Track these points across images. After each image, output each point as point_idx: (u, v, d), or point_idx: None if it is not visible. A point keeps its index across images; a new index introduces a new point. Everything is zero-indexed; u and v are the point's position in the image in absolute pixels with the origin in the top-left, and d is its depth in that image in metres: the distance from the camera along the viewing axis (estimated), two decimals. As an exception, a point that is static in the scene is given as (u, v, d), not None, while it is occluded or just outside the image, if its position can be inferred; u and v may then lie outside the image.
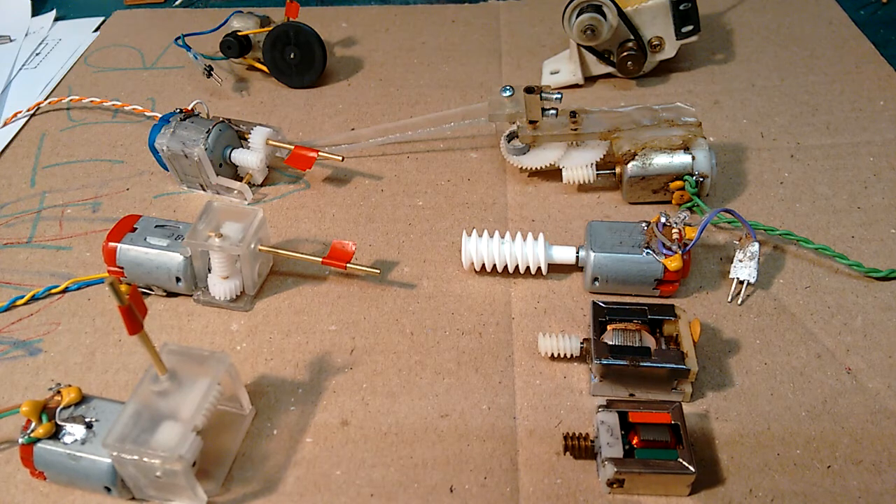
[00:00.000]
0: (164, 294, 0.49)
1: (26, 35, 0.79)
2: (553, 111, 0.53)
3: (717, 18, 0.75)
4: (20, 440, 0.38)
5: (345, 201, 0.56)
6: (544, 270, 0.48)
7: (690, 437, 0.38)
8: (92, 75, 0.72)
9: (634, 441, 0.37)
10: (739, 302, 0.47)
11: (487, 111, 0.55)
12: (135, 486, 0.38)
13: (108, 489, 0.38)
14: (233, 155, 0.56)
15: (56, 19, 0.82)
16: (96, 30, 0.80)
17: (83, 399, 0.39)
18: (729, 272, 0.48)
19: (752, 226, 0.49)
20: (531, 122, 0.53)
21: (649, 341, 0.42)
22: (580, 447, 0.38)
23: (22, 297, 0.49)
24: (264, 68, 0.68)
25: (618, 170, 0.53)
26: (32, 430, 0.38)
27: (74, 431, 0.38)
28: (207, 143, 0.53)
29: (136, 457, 0.35)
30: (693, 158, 0.51)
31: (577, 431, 0.39)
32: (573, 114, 0.54)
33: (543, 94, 0.52)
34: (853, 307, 0.47)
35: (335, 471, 0.40)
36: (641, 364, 0.40)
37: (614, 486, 0.37)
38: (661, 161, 0.51)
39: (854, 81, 0.65)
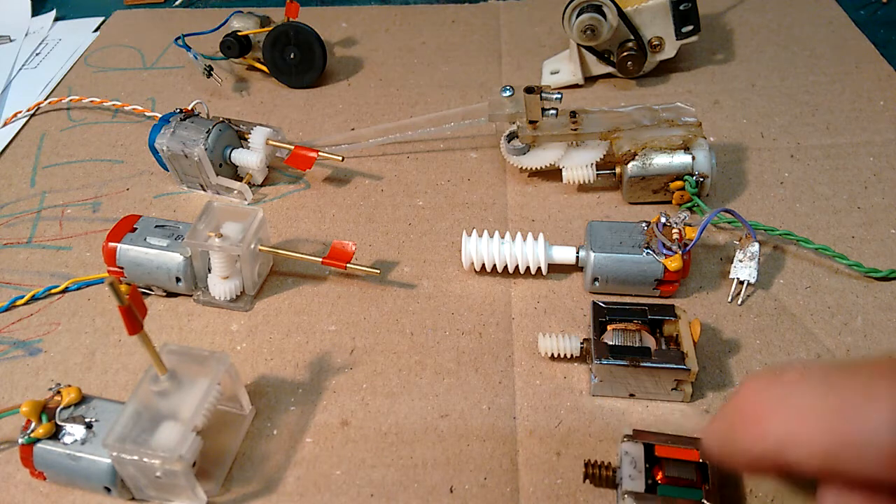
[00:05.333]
0: (164, 294, 0.49)
1: (26, 35, 0.79)
2: (553, 111, 0.53)
3: (717, 18, 0.75)
4: (20, 440, 0.38)
5: (345, 201, 0.57)
6: (544, 270, 0.48)
7: (715, 474, 0.37)
8: (92, 75, 0.72)
9: (658, 476, 0.35)
10: (739, 302, 0.47)
11: (487, 111, 0.55)
12: (135, 487, 0.38)
13: (108, 489, 0.38)
14: (233, 155, 0.56)
15: (56, 19, 0.82)
16: (96, 30, 0.80)
17: (83, 399, 0.39)
18: (729, 272, 0.48)
19: (752, 226, 0.49)
20: (531, 122, 0.53)
21: (649, 341, 0.42)
22: (601, 476, 0.37)
23: (22, 297, 0.49)
24: (264, 68, 0.68)
25: (618, 170, 0.53)
26: (32, 430, 0.38)
27: (74, 431, 0.38)
28: (207, 143, 0.53)
29: (136, 457, 0.35)
30: (693, 158, 0.51)
31: (598, 460, 0.37)
32: (573, 114, 0.54)
33: (543, 94, 0.52)
34: (853, 307, 0.47)
35: (335, 471, 0.40)
36: (641, 364, 0.40)
37: None
38: (661, 161, 0.51)
39: (854, 81, 0.65)
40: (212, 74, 0.66)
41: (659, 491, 0.34)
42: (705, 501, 0.34)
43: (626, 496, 0.35)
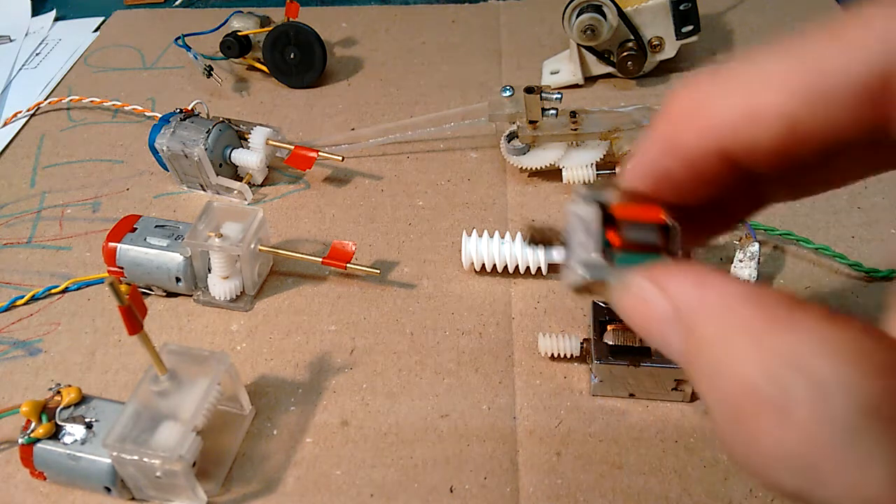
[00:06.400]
0: (164, 294, 0.49)
1: (26, 35, 0.79)
2: (553, 111, 0.53)
3: (717, 18, 0.75)
4: (20, 440, 0.38)
5: (345, 201, 0.56)
6: (544, 270, 0.48)
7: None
8: (92, 75, 0.72)
9: (615, 241, 0.27)
10: (739, 302, 0.47)
11: (487, 111, 0.55)
12: (135, 487, 0.38)
13: (108, 489, 0.38)
14: (233, 155, 0.56)
15: (56, 19, 0.82)
16: (96, 30, 0.80)
17: (83, 399, 0.39)
18: (729, 272, 0.48)
19: (752, 226, 0.49)
20: (531, 122, 0.53)
21: (649, 341, 0.42)
22: (546, 240, 0.30)
23: (22, 297, 0.49)
24: (264, 68, 0.68)
25: (618, 170, 0.53)
26: (32, 430, 0.38)
27: (74, 431, 0.38)
28: (207, 143, 0.53)
29: (136, 457, 0.35)
30: (693, 158, 0.51)
31: (545, 224, 0.30)
32: (573, 114, 0.54)
33: (543, 94, 0.52)
34: (853, 307, 0.47)
35: (335, 471, 0.40)
36: (641, 364, 0.40)
37: (582, 292, 0.28)
38: (661, 161, 0.51)
39: (854, 81, 0.65)
40: (212, 74, 0.66)
41: (616, 259, 0.27)
42: (665, 255, 0.26)
43: (574, 266, 0.28)
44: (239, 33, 0.66)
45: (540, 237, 0.30)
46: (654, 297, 0.20)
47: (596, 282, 0.27)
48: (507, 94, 0.54)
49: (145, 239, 0.48)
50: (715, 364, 0.17)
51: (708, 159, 0.21)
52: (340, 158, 0.56)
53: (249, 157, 0.56)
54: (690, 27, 0.63)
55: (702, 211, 0.24)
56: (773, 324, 0.16)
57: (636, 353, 0.41)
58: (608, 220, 0.28)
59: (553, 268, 0.49)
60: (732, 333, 0.17)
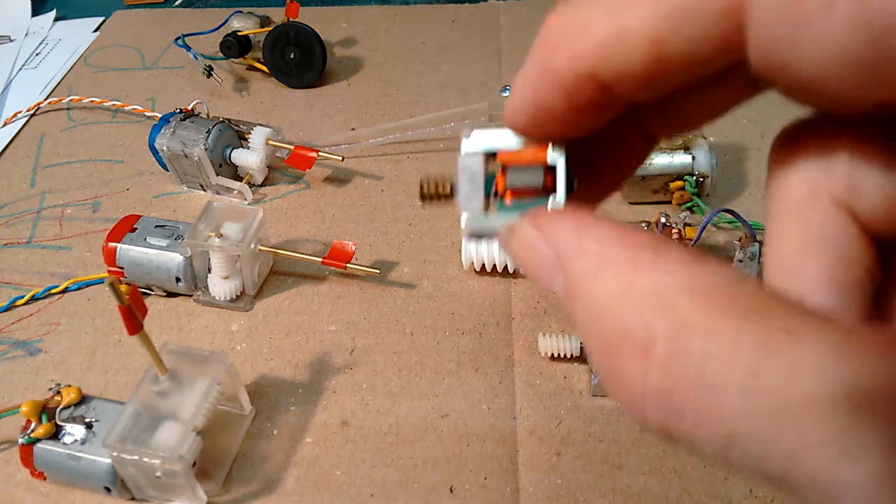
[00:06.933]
0: (164, 294, 0.49)
1: (26, 35, 0.79)
2: (553, 111, 0.53)
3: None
4: (20, 440, 0.38)
5: (345, 201, 0.56)
6: (544, 270, 0.48)
7: None
8: (92, 75, 0.72)
9: (502, 190, 0.26)
10: (739, 302, 0.47)
11: (487, 111, 0.55)
12: (135, 487, 0.38)
13: (108, 489, 0.38)
14: (233, 155, 0.56)
15: (56, 19, 0.82)
16: (96, 30, 0.80)
17: (83, 399, 0.39)
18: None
19: (752, 226, 0.49)
20: (531, 122, 0.53)
21: (649, 341, 0.42)
22: (438, 195, 0.28)
23: (22, 297, 0.49)
24: (264, 68, 0.68)
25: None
26: (32, 430, 0.38)
27: (74, 431, 0.38)
28: (207, 143, 0.53)
29: (136, 457, 0.35)
30: (693, 158, 0.51)
31: (436, 179, 0.28)
32: (573, 114, 0.54)
33: (543, 94, 0.52)
34: (853, 307, 0.47)
35: (335, 471, 0.40)
36: (641, 364, 0.40)
37: (476, 239, 0.26)
38: (661, 161, 0.51)
39: (854, 81, 0.65)
40: (212, 74, 0.66)
41: (499, 207, 0.26)
42: (551, 199, 0.25)
43: (462, 218, 0.26)
44: (239, 33, 0.66)
45: (429, 191, 0.28)
46: (538, 243, 0.21)
47: (485, 231, 0.26)
48: (507, 94, 0.54)
49: (145, 239, 0.48)
50: (588, 306, 0.18)
51: (581, 85, 0.19)
52: (340, 158, 0.56)
53: (249, 157, 0.56)
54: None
55: (592, 150, 0.24)
56: (640, 264, 0.17)
57: (636, 353, 0.41)
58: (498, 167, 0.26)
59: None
60: (603, 275, 0.17)
